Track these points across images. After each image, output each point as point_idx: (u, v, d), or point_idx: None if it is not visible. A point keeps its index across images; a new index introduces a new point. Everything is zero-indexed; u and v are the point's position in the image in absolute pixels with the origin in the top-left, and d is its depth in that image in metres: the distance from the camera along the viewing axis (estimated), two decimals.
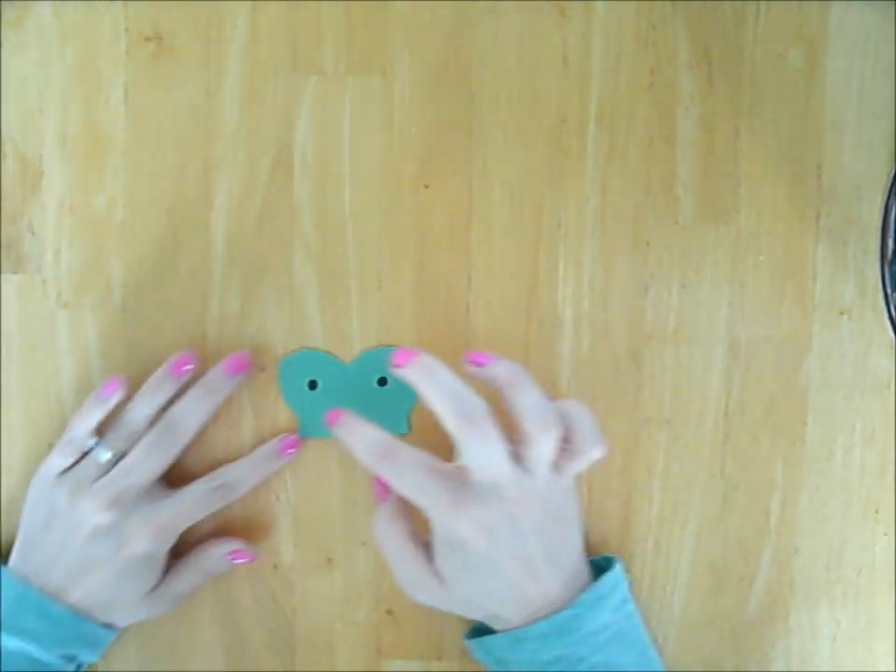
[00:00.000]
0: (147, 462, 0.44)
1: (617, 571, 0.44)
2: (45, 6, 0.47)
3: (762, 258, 0.47)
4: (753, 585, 0.48)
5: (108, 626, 0.45)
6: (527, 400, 0.42)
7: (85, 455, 0.45)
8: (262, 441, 0.47)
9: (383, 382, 0.47)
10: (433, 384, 0.41)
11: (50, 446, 0.47)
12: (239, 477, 0.46)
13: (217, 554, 0.47)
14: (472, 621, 0.47)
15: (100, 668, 0.48)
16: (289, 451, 0.47)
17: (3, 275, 0.47)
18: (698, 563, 0.48)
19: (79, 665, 0.46)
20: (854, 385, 0.47)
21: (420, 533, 0.44)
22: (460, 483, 0.41)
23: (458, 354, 0.45)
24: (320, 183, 0.47)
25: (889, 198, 0.44)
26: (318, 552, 0.48)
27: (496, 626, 0.44)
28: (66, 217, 0.47)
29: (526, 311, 0.47)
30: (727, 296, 0.47)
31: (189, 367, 0.46)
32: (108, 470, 0.44)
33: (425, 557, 0.43)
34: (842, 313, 0.47)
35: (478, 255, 0.47)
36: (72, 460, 0.45)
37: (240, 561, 0.47)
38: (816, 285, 0.47)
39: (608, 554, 0.46)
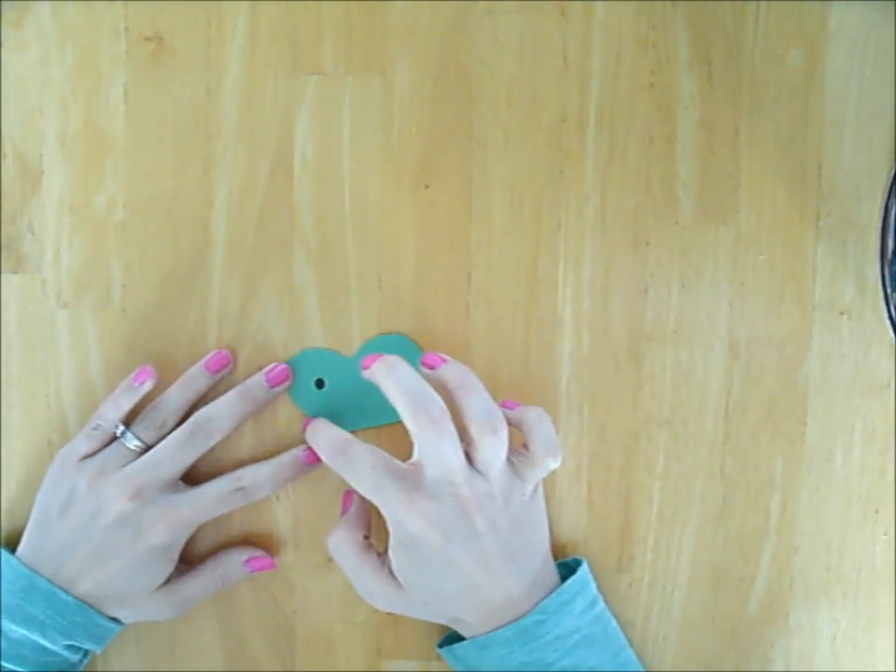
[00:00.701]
0: (174, 457, 0.44)
1: (582, 574, 0.44)
2: (45, 6, 0.47)
3: (762, 258, 0.47)
4: (753, 585, 0.48)
5: (114, 620, 0.45)
6: (474, 403, 0.42)
7: (110, 442, 0.45)
8: (261, 438, 0.47)
9: None
10: (394, 380, 0.42)
11: (51, 445, 0.48)
12: (260, 482, 0.45)
13: (232, 563, 0.47)
14: (445, 629, 0.47)
15: (99, 668, 0.48)
16: (312, 463, 0.46)
17: (3, 275, 0.47)
18: (698, 563, 0.48)
19: (84, 656, 0.46)
20: (854, 384, 0.47)
21: (380, 545, 0.44)
22: (414, 480, 0.41)
23: (458, 354, 0.46)
24: (320, 183, 0.47)
25: (889, 198, 0.44)
26: (318, 552, 0.48)
27: (462, 632, 0.44)
28: (66, 217, 0.47)
29: (526, 311, 0.47)
30: (727, 296, 0.47)
31: (226, 369, 0.46)
32: (133, 459, 0.44)
33: (380, 563, 0.43)
34: (842, 313, 0.47)
35: (478, 255, 0.47)
36: (97, 446, 0.45)
37: (259, 570, 0.47)
38: (816, 285, 0.47)
39: (576, 557, 0.47)
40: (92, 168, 0.47)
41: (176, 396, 0.46)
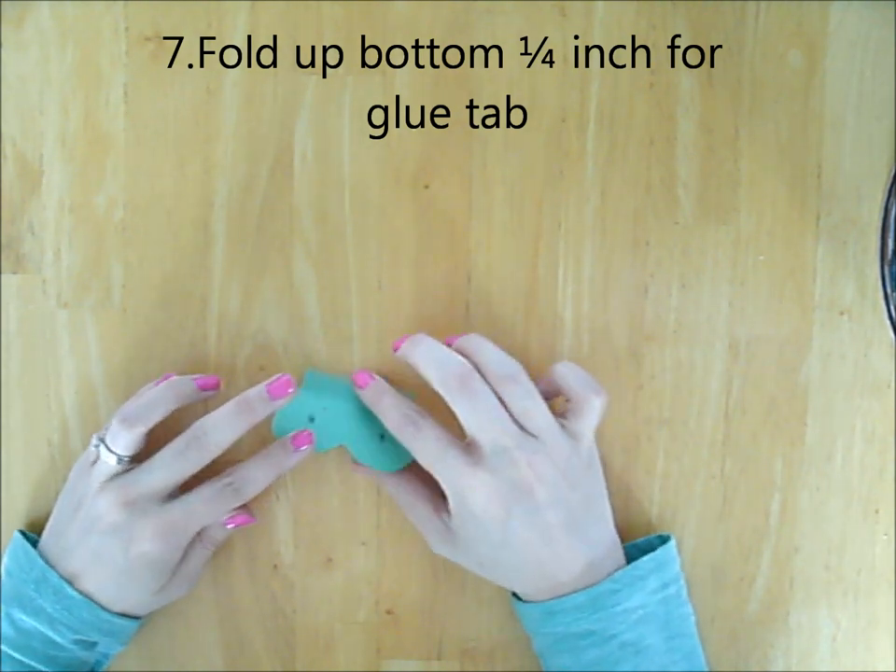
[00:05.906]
0: (168, 469, 0.43)
1: (662, 553, 0.44)
2: (45, 6, 0.47)
3: (762, 258, 0.47)
4: (753, 585, 0.48)
5: (125, 616, 0.45)
6: (487, 357, 0.42)
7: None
8: (260, 439, 0.47)
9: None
10: (419, 354, 0.42)
11: (50, 445, 0.48)
12: (249, 476, 0.44)
13: (213, 527, 0.46)
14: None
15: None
16: (302, 447, 0.44)
17: (3, 275, 0.47)
18: (698, 563, 0.48)
19: (104, 655, 0.46)
20: (854, 385, 0.47)
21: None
22: (476, 455, 0.42)
23: None
24: (320, 183, 0.47)
25: (889, 198, 0.44)
26: (318, 552, 0.48)
27: (520, 595, 0.44)
28: (66, 217, 0.47)
29: (526, 311, 0.47)
30: (727, 296, 0.47)
31: (214, 391, 0.46)
32: (121, 470, 0.43)
33: (436, 513, 0.44)
34: (842, 313, 0.47)
35: (478, 255, 0.47)
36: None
37: (240, 525, 0.46)
38: (816, 285, 0.47)
39: (664, 534, 0.46)
40: (92, 168, 0.47)
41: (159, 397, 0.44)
